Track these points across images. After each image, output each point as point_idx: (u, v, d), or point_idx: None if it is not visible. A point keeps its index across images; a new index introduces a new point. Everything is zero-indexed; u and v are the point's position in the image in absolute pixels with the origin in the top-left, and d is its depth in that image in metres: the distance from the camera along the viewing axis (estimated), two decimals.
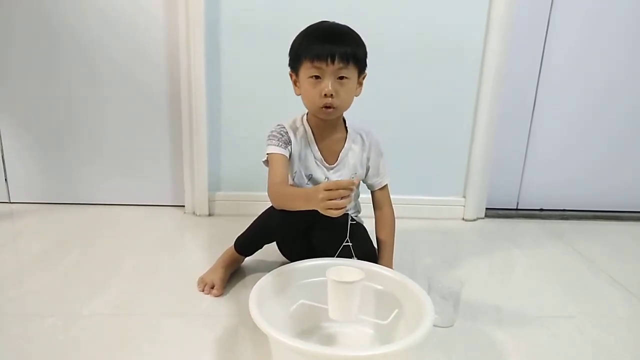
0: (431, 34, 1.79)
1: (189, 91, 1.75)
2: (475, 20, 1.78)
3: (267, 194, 1.20)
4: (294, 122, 1.30)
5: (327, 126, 1.28)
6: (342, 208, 0.97)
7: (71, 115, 1.83)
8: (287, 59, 1.25)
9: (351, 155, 1.30)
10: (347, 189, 0.97)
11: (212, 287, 1.28)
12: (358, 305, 0.99)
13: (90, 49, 1.77)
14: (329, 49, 1.13)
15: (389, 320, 1.03)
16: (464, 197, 1.97)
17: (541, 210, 2.10)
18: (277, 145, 1.23)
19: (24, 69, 1.78)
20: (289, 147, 1.25)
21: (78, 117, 1.83)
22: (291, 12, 1.70)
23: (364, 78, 1.24)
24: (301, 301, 1.05)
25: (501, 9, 1.74)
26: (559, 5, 1.86)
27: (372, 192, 1.37)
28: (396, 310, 1.04)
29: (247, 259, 1.41)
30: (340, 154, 1.29)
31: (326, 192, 0.97)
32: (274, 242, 1.40)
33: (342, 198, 0.97)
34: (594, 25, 1.90)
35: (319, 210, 0.98)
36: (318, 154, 1.28)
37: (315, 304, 1.04)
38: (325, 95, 1.15)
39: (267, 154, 1.24)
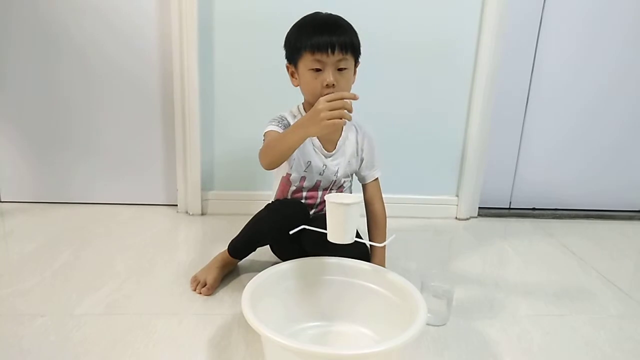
0: (424, 33, 1.79)
1: (182, 89, 1.75)
2: (468, 19, 1.78)
3: (260, 163, 1.20)
4: (291, 112, 1.31)
5: None
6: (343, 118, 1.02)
7: (63, 114, 1.82)
8: (280, 56, 1.25)
9: (348, 144, 1.33)
10: (351, 97, 1.03)
11: (204, 286, 1.27)
12: (354, 229, 1.04)
13: (82, 47, 1.76)
14: (328, 40, 1.15)
15: (388, 240, 1.11)
16: (457, 196, 1.97)
17: (534, 209, 2.11)
18: (277, 126, 1.24)
19: (16, 67, 1.76)
20: None
21: (70, 115, 1.82)
22: (284, 9, 1.68)
23: (357, 66, 1.25)
24: (303, 226, 1.11)
25: (494, 7, 1.75)
26: (551, 5, 1.87)
27: (364, 186, 1.38)
28: (393, 235, 1.10)
29: None
30: (338, 142, 1.32)
31: (328, 102, 1.01)
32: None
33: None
34: (586, 26, 1.91)
35: (320, 130, 1.03)
36: (317, 142, 1.30)
37: (316, 229, 1.10)
38: (327, 85, 1.17)
39: (265, 132, 1.25)
